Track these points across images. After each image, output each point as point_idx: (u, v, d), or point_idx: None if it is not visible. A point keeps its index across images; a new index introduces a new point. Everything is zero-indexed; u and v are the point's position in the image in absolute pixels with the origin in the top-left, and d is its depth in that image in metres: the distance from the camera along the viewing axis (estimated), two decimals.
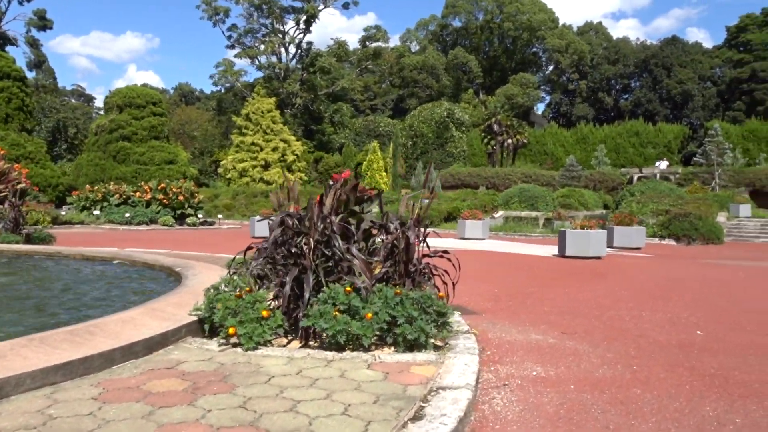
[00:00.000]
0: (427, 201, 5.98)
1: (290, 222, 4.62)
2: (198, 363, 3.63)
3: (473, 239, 19.43)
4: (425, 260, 5.25)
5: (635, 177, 38.84)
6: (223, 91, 60.07)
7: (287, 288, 4.12)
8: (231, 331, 3.97)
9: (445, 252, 5.16)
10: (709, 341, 5.28)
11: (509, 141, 51.85)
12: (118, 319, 4.14)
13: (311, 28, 54.84)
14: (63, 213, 23.38)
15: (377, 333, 4.14)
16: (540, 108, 72.08)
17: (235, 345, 4.06)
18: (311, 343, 4.26)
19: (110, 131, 35.41)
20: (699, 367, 4.37)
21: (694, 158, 38.32)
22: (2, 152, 15.39)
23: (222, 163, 45.04)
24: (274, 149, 44.23)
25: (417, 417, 2.83)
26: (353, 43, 57.15)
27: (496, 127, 52.04)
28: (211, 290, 4.62)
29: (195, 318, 4.43)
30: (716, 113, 51.19)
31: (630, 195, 28.55)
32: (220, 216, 29.62)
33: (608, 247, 16.56)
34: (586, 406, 3.45)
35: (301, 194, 5.55)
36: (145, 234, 19.84)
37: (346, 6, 54.64)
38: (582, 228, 13.80)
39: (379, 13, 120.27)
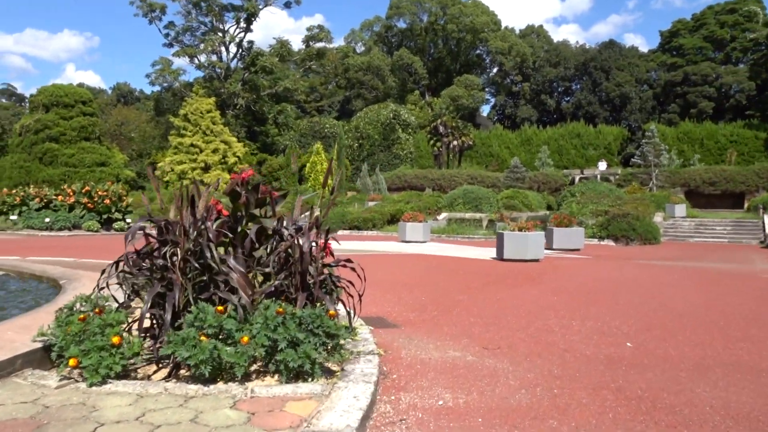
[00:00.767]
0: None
1: (165, 227, 3.92)
2: (15, 407, 2.90)
3: (414, 242, 18.94)
4: (331, 270, 4.63)
5: (577, 178, 39.30)
6: (161, 91, 58.00)
7: (146, 307, 3.43)
8: (71, 362, 3.25)
9: (348, 261, 4.54)
10: (639, 354, 4.84)
11: (455, 143, 51.79)
12: None
13: (252, 27, 53.49)
14: None
15: (259, 359, 3.50)
16: (485, 110, 72.69)
17: (79, 379, 3.35)
18: (182, 372, 3.59)
19: (36, 132, 33.44)
20: (626, 387, 3.89)
21: (633, 159, 39.02)
22: None
23: (159, 165, 43.32)
24: (215, 151, 42.81)
25: None
26: (300, 44, 56.10)
27: (441, 129, 51.91)
28: (65, 310, 3.88)
29: (40, 345, 3.69)
30: (653, 115, 52.41)
31: (571, 196, 28.71)
32: None
33: (548, 248, 16.35)
34: None
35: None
36: (65, 241, 18.51)
37: (288, 5, 53.52)
38: (520, 230, 13.46)
39: (327, 15, 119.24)
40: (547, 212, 27.69)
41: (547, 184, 39.11)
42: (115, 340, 3.31)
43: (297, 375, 3.46)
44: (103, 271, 4.51)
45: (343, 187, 41.48)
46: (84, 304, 3.90)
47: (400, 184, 42.28)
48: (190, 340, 3.24)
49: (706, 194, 35.01)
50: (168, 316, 3.43)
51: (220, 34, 53.54)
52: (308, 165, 41.65)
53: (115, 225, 23.00)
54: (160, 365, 3.79)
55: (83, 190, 22.79)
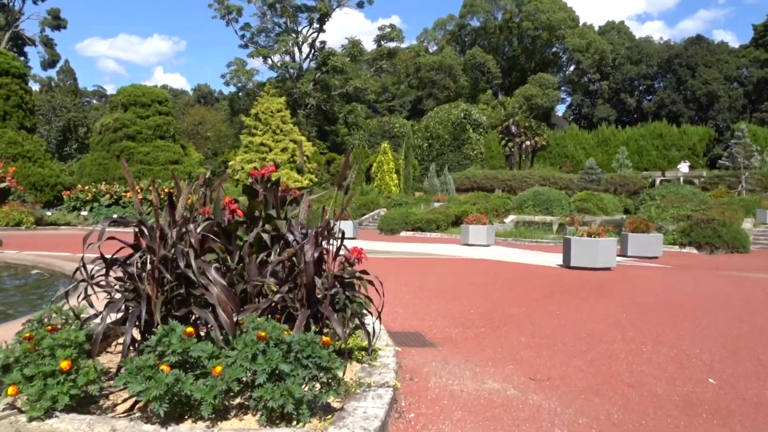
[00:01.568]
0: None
1: (140, 231, 3.38)
2: None
3: (477, 245, 18.06)
4: (349, 281, 3.97)
5: (657, 180, 37.04)
6: (236, 91, 59.33)
7: (100, 328, 2.87)
8: (10, 391, 2.73)
9: (364, 272, 3.86)
10: (724, 396, 3.91)
11: (527, 143, 50.20)
12: None
13: (325, 28, 53.76)
14: (49, 213, 22.41)
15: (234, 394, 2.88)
16: (561, 110, 70.18)
17: (25, 408, 2.82)
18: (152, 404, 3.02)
19: (114, 130, 34.61)
20: None
21: (720, 161, 36.42)
22: None
23: (230, 163, 44.11)
24: (284, 150, 43.14)
25: None
26: (373, 44, 55.95)
27: (514, 129, 50.44)
28: (34, 323, 3.39)
29: None
30: (743, 115, 48.88)
31: (650, 199, 26.93)
32: None
33: (622, 256, 15.11)
34: None
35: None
36: (130, 237, 18.74)
37: (360, 5, 53.38)
38: (589, 235, 12.36)
39: (403, 16, 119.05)
40: (624, 216, 26.01)
41: (624, 187, 37.02)
42: (64, 365, 2.76)
43: (282, 415, 2.81)
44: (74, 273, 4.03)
45: (411, 187, 40.81)
46: (55, 315, 3.40)
47: (468, 184, 41.21)
48: (146, 370, 2.65)
49: None
50: (128, 339, 2.86)
51: (294, 35, 54.11)
52: (375, 165, 41.23)
53: None
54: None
55: (150, 187, 23.22)
